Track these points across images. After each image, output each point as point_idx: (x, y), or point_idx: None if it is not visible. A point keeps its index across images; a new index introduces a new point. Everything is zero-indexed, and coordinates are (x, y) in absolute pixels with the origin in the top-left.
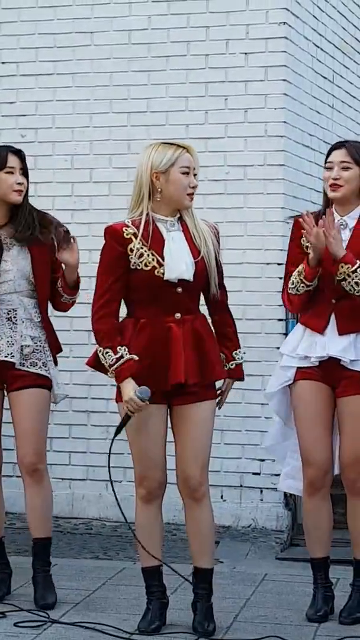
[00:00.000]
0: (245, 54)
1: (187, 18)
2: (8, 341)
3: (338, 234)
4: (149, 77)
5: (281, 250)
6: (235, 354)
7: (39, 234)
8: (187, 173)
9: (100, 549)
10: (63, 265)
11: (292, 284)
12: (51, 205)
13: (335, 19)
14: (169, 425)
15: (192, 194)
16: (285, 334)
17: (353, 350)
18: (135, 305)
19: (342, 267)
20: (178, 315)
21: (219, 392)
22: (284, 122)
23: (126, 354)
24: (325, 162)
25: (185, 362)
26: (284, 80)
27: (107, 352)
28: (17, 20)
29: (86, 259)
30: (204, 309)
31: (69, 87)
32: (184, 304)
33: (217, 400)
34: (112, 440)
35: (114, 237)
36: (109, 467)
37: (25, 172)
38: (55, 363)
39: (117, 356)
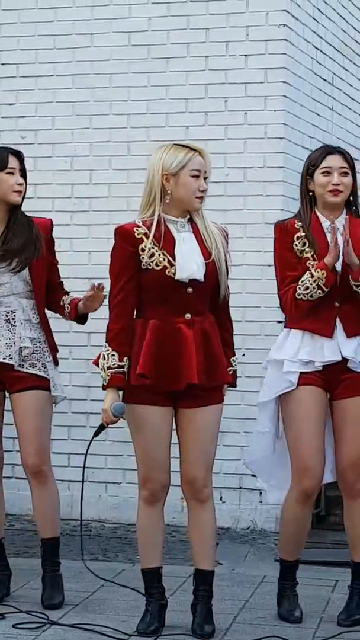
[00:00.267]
0: (245, 55)
1: (187, 20)
2: (7, 343)
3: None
4: (149, 78)
5: None
6: (232, 360)
7: (34, 248)
8: (197, 176)
9: (100, 550)
10: (81, 304)
11: (307, 290)
12: (51, 206)
13: (335, 21)
14: (174, 427)
15: (202, 197)
16: None
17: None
18: (146, 306)
19: None
20: (188, 315)
21: None
22: (284, 124)
23: (126, 368)
24: (318, 167)
25: (196, 362)
26: (283, 82)
27: (112, 355)
28: (17, 22)
29: (86, 260)
30: None
31: (68, 89)
32: (194, 305)
33: (222, 404)
34: (89, 443)
35: (125, 237)
36: (83, 467)
37: (24, 174)
38: (56, 363)
39: (120, 364)
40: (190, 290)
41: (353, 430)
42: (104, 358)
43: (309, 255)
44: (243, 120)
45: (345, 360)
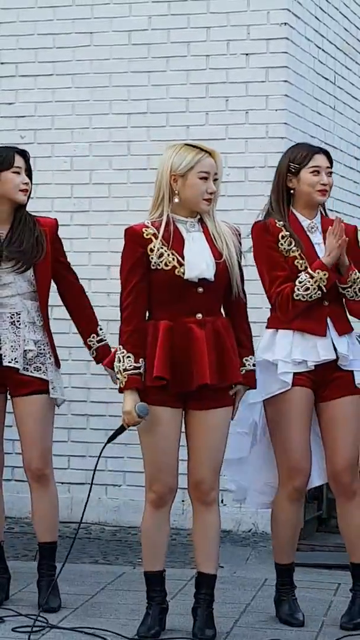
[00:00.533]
0: (246, 54)
1: (187, 18)
2: (12, 346)
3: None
4: (149, 78)
5: None
6: (246, 360)
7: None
8: (206, 178)
9: (100, 553)
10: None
11: (307, 291)
12: (50, 207)
13: (337, 20)
14: (182, 429)
15: (210, 199)
16: None
17: (351, 350)
18: (157, 307)
19: (354, 274)
20: (199, 315)
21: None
22: (285, 123)
23: (143, 369)
24: (305, 166)
25: (208, 362)
26: (285, 81)
27: (128, 357)
28: (16, 21)
29: (85, 261)
30: None
31: (68, 88)
32: (205, 305)
33: (232, 407)
34: (103, 447)
35: (134, 238)
36: (94, 470)
37: (29, 173)
38: (58, 365)
39: (137, 365)
40: (200, 290)
41: (345, 431)
42: (120, 360)
43: (296, 254)
44: (244, 120)
45: (335, 359)
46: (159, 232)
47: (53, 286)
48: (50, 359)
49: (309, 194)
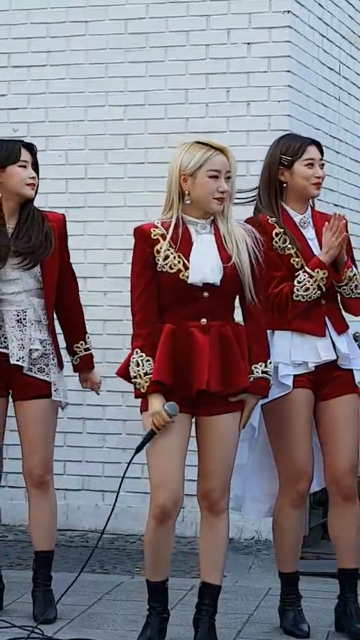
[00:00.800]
0: (248, 44)
1: (186, 6)
2: (19, 344)
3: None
4: (147, 68)
5: None
6: (254, 367)
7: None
8: (216, 177)
9: (97, 562)
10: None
11: (307, 291)
12: (44, 202)
13: (342, 7)
14: (192, 434)
15: (221, 198)
16: None
17: (350, 349)
18: (163, 309)
19: (351, 271)
20: (204, 320)
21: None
22: (288, 115)
23: None
24: (299, 158)
25: (209, 369)
26: (288, 71)
27: (147, 360)
28: (8, 9)
29: (81, 259)
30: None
31: (62, 79)
32: (210, 309)
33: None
34: (133, 455)
35: (142, 237)
36: (122, 477)
37: (36, 167)
38: (61, 367)
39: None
40: (206, 294)
41: (347, 433)
42: (138, 365)
43: (291, 252)
44: (245, 112)
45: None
46: (167, 233)
47: None
48: (53, 359)
49: (304, 188)
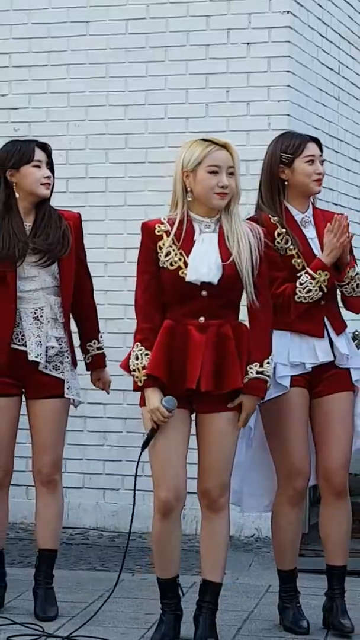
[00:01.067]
0: (248, 44)
1: (186, 7)
2: (37, 341)
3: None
4: (147, 68)
5: None
6: (249, 367)
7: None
8: (216, 172)
9: (98, 560)
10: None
11: (309, 293)
12: None
13: (341, 7)
14: (193, 432)
15: (222, 193)
16: None
17: (348, 349)
18: (166, 306)
19: (353, 270)
20: (202, 319)
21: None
22: (288, 115)
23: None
24: (299, 155)
25: (201, 369)
26: (287, 71)
27: (146, 354)
28: (9, 9)
29: None
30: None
31: (63, 79)
32: (209, 308)
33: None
34: (139, 455)
35: (147, 233)
36: (135, 475)
37: (51, 167)
38: (75, 365)
39: None
40: (204, 293)
41: (340, 429)
42: (138, 358)
43: (293, 252)
44: (245, 112)
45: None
46: (172, 230)
47: None
48: (68, 357)
49: (306, 185)
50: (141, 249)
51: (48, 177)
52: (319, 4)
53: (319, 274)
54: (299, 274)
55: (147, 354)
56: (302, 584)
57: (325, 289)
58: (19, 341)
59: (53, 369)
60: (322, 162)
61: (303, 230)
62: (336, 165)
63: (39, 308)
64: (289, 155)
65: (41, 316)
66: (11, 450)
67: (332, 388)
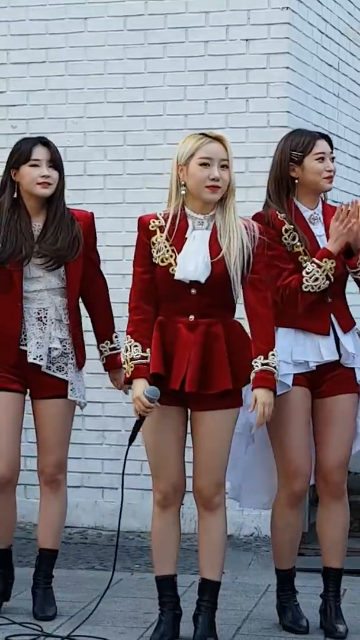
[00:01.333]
0: (247, 40)
1: (185, 3)
2: (38, 342)
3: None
4: (146, 64)
5: None
6: (254, 362)
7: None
8: (207, 164)
9: (96, 559)
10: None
11: (316, 281)
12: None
13: (341, 4)
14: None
15: (214, 186)
16: None
17: (356, 348)
18: (159, 302)
19: None
20: (192, 317)
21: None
22: (287, 111)
23: (149, 359)
24: (309, 153)
25: (186, 369)
26: (287, 67)
27: (135, 345)
28: (7, 6)
29: None
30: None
31: (61, 76)
32: (199, 307)
33: (238, 409)
34: (128, 447)
35: (142, 227)
36: (122, 473)
37: (55, 165)
38: (80, 366)
39: (144, 354)
40: (194, 291)
41: (339, 430)
42: (127, 350)
43: (300, 249)
44: (244, 108)
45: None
46: (165, 225)
47: None
48: (72, 359)
49: (316, 182)
50: (136, 242)
51: (45, 176)
52: (318, 0)
53: (325, 262)
54: (304, 264)
55: (135, 346)
56: (302, 583)
57: (332, 278)
58: (22, 341)
59: (57, 370)
60: (332, 159)
61: (311, 227)
62: (336, 163)
63: (43, 309)
64: (299, 153)
65: (45, 317)
66: (16, 448)
67: (335, 389)
